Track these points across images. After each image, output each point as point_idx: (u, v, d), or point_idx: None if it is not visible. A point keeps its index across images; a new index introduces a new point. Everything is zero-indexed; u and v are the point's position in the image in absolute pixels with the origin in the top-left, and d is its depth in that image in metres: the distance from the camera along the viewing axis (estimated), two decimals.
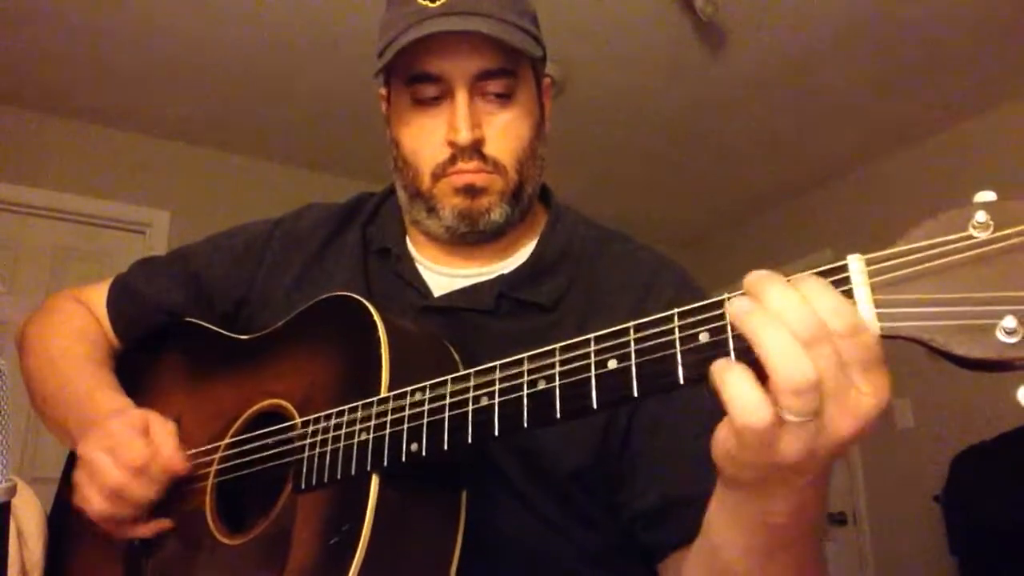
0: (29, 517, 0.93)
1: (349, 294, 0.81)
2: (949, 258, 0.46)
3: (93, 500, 0.79)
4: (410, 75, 0.85)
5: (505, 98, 0.85)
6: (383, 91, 0.94)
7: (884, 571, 3.67)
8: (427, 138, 0.86)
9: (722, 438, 0.50)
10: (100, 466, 0.78)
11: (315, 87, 3.25)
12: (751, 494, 0.53)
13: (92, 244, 3.47)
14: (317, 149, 3.79)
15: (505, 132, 0.86)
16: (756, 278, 0.48)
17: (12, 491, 0.64)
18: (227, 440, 0.85)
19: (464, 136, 0.82)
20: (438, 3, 0.82)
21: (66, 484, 0.94)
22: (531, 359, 0.60)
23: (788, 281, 0.48)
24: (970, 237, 0.46)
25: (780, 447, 0.47)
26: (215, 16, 2.81)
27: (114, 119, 3.49)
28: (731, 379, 0.46)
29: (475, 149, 0.84)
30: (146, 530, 0.82)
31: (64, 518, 0.93)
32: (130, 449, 0.78)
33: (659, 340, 0.53)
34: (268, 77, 3.18)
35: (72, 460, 0.92)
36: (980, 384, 3.37)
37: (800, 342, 0.45)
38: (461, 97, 0.83)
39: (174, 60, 3.06)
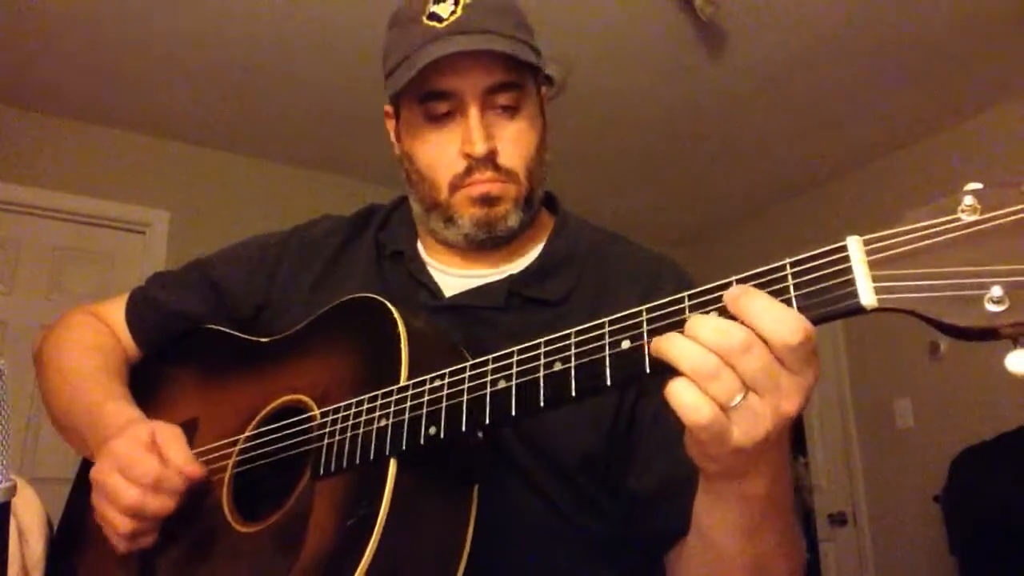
0: (30, 516, 0.93)
1: (370, 295, 0.84)
2: (940, 238, 0.50)
3: (116, 521, 0.80)
4: (423, 93, 0.88)
5: (513, 110, 0.90)
6: (389, 108, 0.98)
7: (884, 571, 3.67)
8: (442, 152, 0.90)
9: (688, 442, 0.57)
10: (114, 488, 0.79)
11: (315, 87, 3.25)
12: (728, 477, 0.60)
13: (92, 244, 3.47)
14: (317, 149, 3.78)
15: (516, 142, 0.90)
16: (692, 320, 0.55)
17: (12, 491, 0.64)
18: (246, 434, 0.87)
19: (480, 148, 0.86)
20: (445, 24, 0.86)
21: (79, 484, 0.96)
22: (548, 343, 0.63)
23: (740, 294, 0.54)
24: (959, 219, 0.50)
25: (734, 435, 0.53)
26: (215, 15, 2.81)
27: (114, 119, 3.49)
28: (673, 390, 0.53)
29: (489, 160, 0.88)
30: (156, 538, 0.83)
31: (80, 507, 0.94)
32: (140, 465, 0.79)
33: (671, 320, 0.57)
34: (268, 76, 3.18)
35: (87, 464, 0.94)
36: (980, 384, 3.38)
37: (708, 348, 0.52)
38: (474, 111, 0.87)
39: (174, 60, 3.06)
